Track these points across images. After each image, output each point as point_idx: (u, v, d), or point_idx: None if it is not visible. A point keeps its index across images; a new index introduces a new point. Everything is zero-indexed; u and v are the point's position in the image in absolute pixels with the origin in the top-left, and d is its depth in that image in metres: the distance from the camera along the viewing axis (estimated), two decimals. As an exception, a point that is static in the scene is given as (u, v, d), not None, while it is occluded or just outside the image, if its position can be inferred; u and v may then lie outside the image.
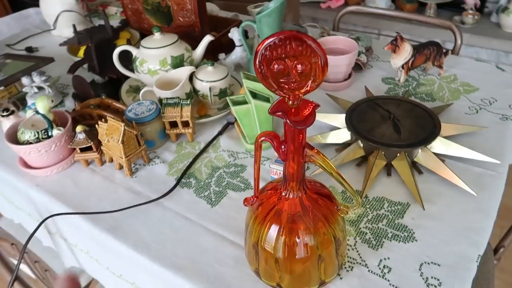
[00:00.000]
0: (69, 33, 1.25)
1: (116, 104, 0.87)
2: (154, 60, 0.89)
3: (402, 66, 0.91)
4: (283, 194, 0.51)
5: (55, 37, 1.29)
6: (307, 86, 0.41)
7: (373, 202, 0.67)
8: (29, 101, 0.95)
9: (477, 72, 0.97)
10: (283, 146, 0.47)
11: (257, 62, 0.40)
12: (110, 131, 0.72)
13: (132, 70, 0.95)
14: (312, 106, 0.43)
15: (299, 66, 0.40)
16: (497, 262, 0.99)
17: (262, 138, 0.47)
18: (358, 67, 1.00)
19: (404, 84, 0.95)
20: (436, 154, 0.72)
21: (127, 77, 1.00)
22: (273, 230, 0.51)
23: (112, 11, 1.44)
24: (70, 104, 0.99)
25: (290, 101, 0.42)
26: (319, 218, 0.50)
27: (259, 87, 0.75)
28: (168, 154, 0.81)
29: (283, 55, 0.39)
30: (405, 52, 0.89)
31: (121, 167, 0.77)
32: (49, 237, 0.83)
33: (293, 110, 0.43)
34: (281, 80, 0.41)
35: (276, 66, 0.40)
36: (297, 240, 0.51)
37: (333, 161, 0.72)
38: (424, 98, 0.90)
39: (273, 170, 0.65)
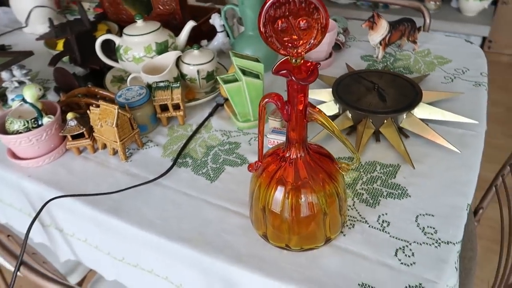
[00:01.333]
0: (42, 29, 1.22)
1: (104, 92, 0.86)
2: (138, 47, 0.89)
3: (380, 43, 0.96)
4: (287, 155, 0.53)
5: (27, 35, 1.26)
6: (309, 43, 0.43)
7: (366, 166, 0.70)
8: (10, 96, 0.93)
9: (448, 46, 1.03)
10: (286, 107, 0.49)
11: (261, 22, 0.42)
12: (103, 115, 0.72)
13: (114, 60, 0.95)
14: (313, 64, 0.45)
15: (302, 23, 0.42)
16: (477, 224, 1.05)
17: (266, 99, 0.49)
18: (337, 47, 1.04)
19: (382, 60, 1.00)
20: (420, 119, 0.76)
21: (109, 68, 0.99)
22: (279, 192, 0.53)
23: (85, 6, 1.41)
24: (52, 98, 0.97)
25: (293, 59, 0.44)
26: (324, 176, 0.53)
27: (248, 64, 0.76)
28: (160, 137, 0.81)
29: (287, 13, 0.41)
30: (382, 28, 0.93)
31: (115, 152, 0.77)
32: (42, 231, 0.81)
33: (296, 68, 0.45)
34: (285, 38, 0.43)
35: (280, 24, 0.42)
36: (303, 199, 0.53)
37: (322, 133, 0.75)
38: (402, 71, 0.95)
39: (271, 140, 0.67)
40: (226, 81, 0.77)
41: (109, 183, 0.71)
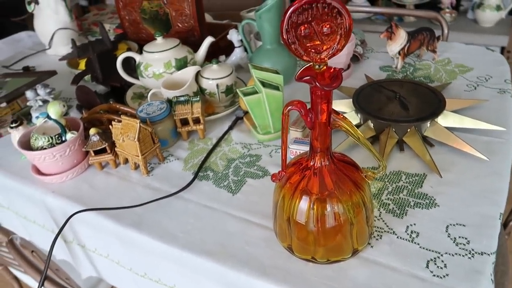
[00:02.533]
0: (65, 51, 1.26)
1: (125, 108, 0.88)
2: (158, 63, 0.90)
3: (399, 53, 0.95)
4: (311, 164, 0.52)
5: (50, 56, 1.30)
6: (333, 49, 0.43)
7: (391, 176, 0.68)
8: (34, 114, 0.95)
9: (469, 54, 1.01)
10: (310, 114, 0.48)
11: (284, 29, 0.42)
12: (125, 129, 0.73)
13: (134, 78, 0.96)
14: (337, 69, 0.45)
15: (325, 28, 0.42)
16: (508, 237, 1.01)
17: (289, 107, 0.49)
18: (355, 58, 1.03)
19: (401, 70, 0.99)
20: (444, 127, 0.74)
21: (130, 85, 1.01)
22: (304, 202, 0.52)
23: (106, 28, 1.45)
24: (75, 115, 0.99)
25: (317, 65, 0.44)
26: (349, 185, 0.52)
27: (268, 76, 0.77)
28: (181, 151, 0.81)
29: (309, 19, 0.41)
30: (401, 38, 0.93)
31: (136, 167, 0.77)
32: (64, 248, 0.81)
33: (319, 74, 0.44)
34: (308, 44, 0.43)
35: (303, 30, 0.42)
36: (329, 209, 0.51)
37: (344, 143, 0.74)
38: (423, 81, 0.94)
39: (293, 150, 0.67)
40: (246, 94, 0.78)
41: (131, 197, 0.71)
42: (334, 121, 0.49)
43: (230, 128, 0.85)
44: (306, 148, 0.65)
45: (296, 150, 0.66)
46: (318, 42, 0.43)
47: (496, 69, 0.94)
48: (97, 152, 0.77)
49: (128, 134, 0.72)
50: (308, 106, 0.49)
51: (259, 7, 0.89)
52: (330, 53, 0.43)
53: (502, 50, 2.31)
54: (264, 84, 0.76)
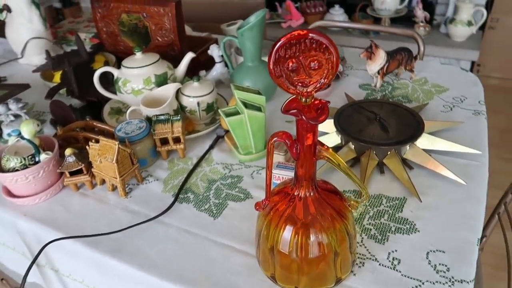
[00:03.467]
0: (38, 60, 1.22)
1: (102, 125, 0.85)
2: (137, 79, 0.88)
3: (378, 72, 0.96)
4: (296, 194, 0.51)
5: (23, 66, 1.25)
6: (320, 82, 0.43)
7: (372, 200, 0.69)
8: (5, 131, 0.91)
9: (444, 74, 1.04)
10: (295, 145, 0.48)
11: (271, 63, 0.41)
12: (103, 151, 0.70)
13: (112, 92, 0.94)
14: (323, 102, 0.45)
15: (312, 63, 0.41)
16: (481, 252, 1.04)
17: (275, 138, 0.48)
18: (335, 77, 1.04)
19: (380, 89, 1.00)
20: (423, 149, 0.75)
21: (107, 100, 0.98)
22: (288, 231, 0.51)
23: (81, 36, 1.41)
24: (48, 130, 0.95)
25: (303, 98, 0.44)
26: (334, 215, 0.51)
27: (250, 97, 0.76)
28: (160, 171, 0.79)
29: (297, 53, 0.41)
30: (380, 58, 0.94)
31: (114, 188, 0.75)
32: (36, 272, 0.78)
33: (306, 107, 0.44)
34: (295, 78, 0.42)
35: (290, 64, 0.41)
36: (313, 238, 0.51)
37: (326, 165, 0.74)
38: (401, 100, 0.95)
39: (276, 175, 0.66)
40: (228, 114, 0.77)
41: (108, 220, 0.69)
42: (320, 152, 0.49)
43: (211, 147, 0.84)
44: (289, 173, 0.65)
45: (279, 175, 0.66)
46: (305, 76, 0.42)
47: (471, 90, 0.97)
48: (73, 173, 0.74)
49: (106, 155, 0.70)
50: (294, 135, 0.48)
51: (241, 24, 0.89)
52: (317, 86, 0.43)
53: (473, 64, 2.40)
54: (246, 105, 0.76)
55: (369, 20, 2.44)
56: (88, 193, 0.76)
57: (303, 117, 0.43)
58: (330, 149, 0.49)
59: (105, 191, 0.75)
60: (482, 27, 2.30)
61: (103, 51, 1.14)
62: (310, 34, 0.40)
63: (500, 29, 2.32)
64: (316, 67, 0.42)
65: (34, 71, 1.06)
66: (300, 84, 0.43)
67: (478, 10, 2.17)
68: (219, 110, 0.78)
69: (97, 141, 0.72)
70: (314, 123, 0.44)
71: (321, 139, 0.80)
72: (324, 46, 0.40)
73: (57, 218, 0.70)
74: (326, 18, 2.50)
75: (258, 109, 0.76)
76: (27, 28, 1.21)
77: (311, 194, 0.51)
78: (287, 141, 0.48)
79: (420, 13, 2.31)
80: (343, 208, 0.53)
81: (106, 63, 1.03)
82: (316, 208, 0.51)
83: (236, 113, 0.77)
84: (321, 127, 0.83)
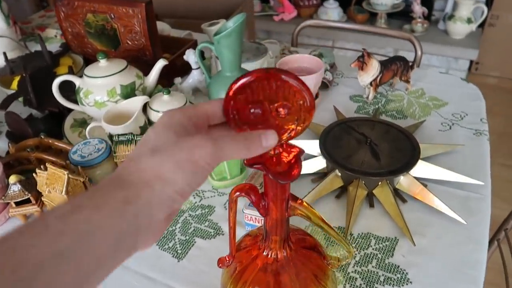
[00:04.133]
0: None
1: (59, 143, 0.76)
2: (101, 90, 0.79)
3: (370, 83, 0.87)
4: (265, 253, 0.43)
5: (-16, 66, 1.14)
6: (290, 131, 0.34)
7: (359, 240, 0.60)
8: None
9: (443, 85, 0.95)
10: (263, 201, 0.39)
11: (229, 108, 0.32)
12: (51, 180, 0.61)
13: (75, 102, 0.84)
14: (296, 153, 0.36)
15: (280, 109, 0.32)
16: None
17: (237, 193, 0.39)
18: (324, 85, 0.95)
19: (373, 101, 0.91)
20: (417, 179, 0.67)
21: (71, 109, 0.88)
22: (256, 295, 0.43)
23: (51, 33, 1.30)
24: (4, 144, 0.85)
25: (271, 151, 0.35)
26: (309, 278, 0.43)
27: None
28: (123, 198, 0.70)
29: (261, 97, 0.32)
30: (373, 68, 0.85)
31: (67, 220, 0.66)
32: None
33: (274, 159, 0.35)
34: (259, 126, 0.33)
35: (252, 110, 0.32)
36: (285, 305, 0.43)
37: (310, 195, 0.66)
38: (395, 116, 0.87)
39: (248, 215, 0.57)
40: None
41: (57, 261, 0.60)
42: (293, 209, 0.40)
43: (182, 170, 0.75)
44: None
45: (251, 215, 0.57)
46: (273, 124, 0.33)
47: (472, 105, 0.88)
48: (20, 202, 0.65)
49: (54, 186, 0.61)
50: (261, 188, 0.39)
51: (218, 30, 0.79)
52: (287, 136, 0.34)
53: (471, 62, 2.31)
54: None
55: (364, 14, 2.33)
56: (38, 224, 0.66)
57: (270, 175, 0.34)
58: (307, 203, 0.41)
59: (57, 223, 0.66)
60: (481, 25, 2.21)
61: (70, 52, 1.04)
62: (273, 75, 0.30)
63: (500, 27, 2.23)
64: (285, 114, 0.33)
65: (-10, 75, 0.96)
66: None
67: (479, 6, 2.07)
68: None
69: (46, 168, 0.63)
70: (284, 182, 0.35)
71: (304, 163, 0.72)
72: (293, 88, 0.31)
73: None
74: (320, 12, 2.39)
75: (233, 130, 0.67)
76: (-13, 25, 1.10)
77: (283, 254, 0.42)
78: (252, 196, 0.39)
79: (418, 8, 2.21)
80: (321, 268, 0.45)
81: (71, 68, 0.93)
82: (289, 274, 0.42)
83: (208, 135, 0.67)
84: (306, 148, 0.75)
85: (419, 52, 1.14)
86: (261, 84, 0.31)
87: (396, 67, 0.88)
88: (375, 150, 0.69)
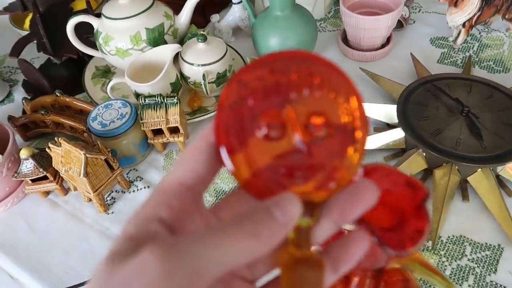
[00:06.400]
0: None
1: (78, 102, 0.64)
2: (122, 35, 0.64)
3: (463, 24, 0.67)
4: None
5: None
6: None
7: (450, 246, 0.47)
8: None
9: (558, 24, 0.72)
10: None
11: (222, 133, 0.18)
12: (67, 159, 0.50)
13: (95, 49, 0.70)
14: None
15: (315, 119, 0.18)
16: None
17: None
18: (398, 24, 0.75)
19: (461, 46, 0.71)
20: (529, 162, 0.51)
21: (91, 56, 0.75)
22: None
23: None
24: (19, 96, 0.75)
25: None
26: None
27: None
28: (154, 172, 0.59)
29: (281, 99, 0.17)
30: (471, 4, 0.64)
31: (90, 199, 0.56)
32: None
33: None
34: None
35: (262, 128, 0.18)
36: None
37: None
38: (493, 68, 0.67)
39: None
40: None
41: (81, 251, 0.52)
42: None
43: (222, 137, 0.62)
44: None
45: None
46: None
47: None
48: (37, 179, 0.55)
49: (70, 165, 0.50)
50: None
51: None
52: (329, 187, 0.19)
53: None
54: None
55: None
56: (59, 200, 0.57)
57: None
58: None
59: (80, 200, 0.57)
60: None
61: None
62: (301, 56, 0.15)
63: None
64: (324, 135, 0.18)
65: (0, 12, 0.82)
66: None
67: None
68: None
69: (59, 142, 0.51)
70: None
71: (376, 135, 0.56)
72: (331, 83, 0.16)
73: (16, 243, 0.53)
74: None
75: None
76: None
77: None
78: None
79: None
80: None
81: (89, 4, 0.77)
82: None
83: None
84: (376, 115, 0.59)
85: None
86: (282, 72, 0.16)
87: (501, 2, 0.67)
88: (475, 124, 0.52)
